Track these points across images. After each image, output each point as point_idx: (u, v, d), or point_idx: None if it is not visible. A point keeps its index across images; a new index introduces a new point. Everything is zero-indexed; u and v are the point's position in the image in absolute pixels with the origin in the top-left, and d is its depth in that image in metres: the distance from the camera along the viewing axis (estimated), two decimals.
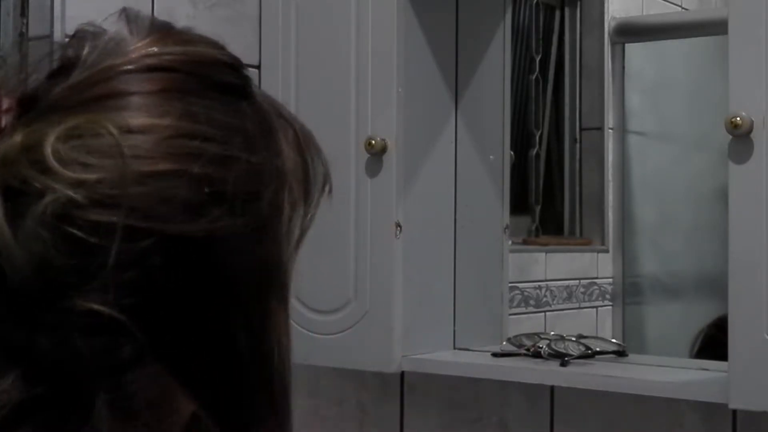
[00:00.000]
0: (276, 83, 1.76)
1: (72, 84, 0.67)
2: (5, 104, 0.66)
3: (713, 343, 1.97)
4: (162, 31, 0.70)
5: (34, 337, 0.63)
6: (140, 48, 0.68)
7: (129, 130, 0.64)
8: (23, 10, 1.63)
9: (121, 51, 0.68)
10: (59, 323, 0.63)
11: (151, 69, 0.67)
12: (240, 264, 0.67)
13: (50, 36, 1.58)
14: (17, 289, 0.63)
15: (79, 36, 0.69)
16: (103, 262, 0.62)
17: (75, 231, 0.62)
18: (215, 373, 0.68)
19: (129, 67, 0.67)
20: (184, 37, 0.70)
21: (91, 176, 0.63)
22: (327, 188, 0.75)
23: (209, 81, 0.68)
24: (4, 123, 0.66)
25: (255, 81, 0.73)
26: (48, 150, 0.63)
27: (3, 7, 1.64)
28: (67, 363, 0.64)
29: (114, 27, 0.69)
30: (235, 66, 0.71)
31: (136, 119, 0.65)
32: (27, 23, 1.62)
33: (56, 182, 0.62)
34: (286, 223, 0.70)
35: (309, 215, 0.73)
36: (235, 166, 0.66)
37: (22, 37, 1.63)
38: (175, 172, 0.64)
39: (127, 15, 0.70)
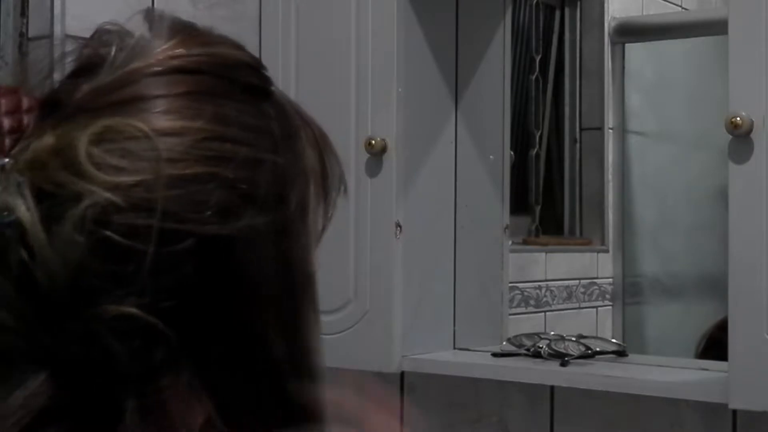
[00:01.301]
0: (276, 83, 1.75)
1: (99, 86, 0.66)
2: (26, 104, 0.66)
3: (718, 345, 1.97)
4: (185, 32, 0.69)
5: (65, 342, 0.63)
6: (166, 50, 0.67)
7: (162, 133, 0.64)
8: (23, 10, 1.63)
9: (147, 53, 0.67)
10: (92, 328, 0.63)
11: (178, 71, 0.67)
12: (270, 265, 0.67)
13: (50, 36, 1.58)
14: (49, 294, 0.62)
15: (102, 36, 0.69)
16: (139, 266, 0.62)
17: (112, 235, 0.62)
18: (246, 376, 0.68)
19: (156, 69, 0.67)
20: (208, 38, 0.70)
21: (127, 179, 0.62)
22: (343, 187, 0.76)
23: (235, 82, 0.68)
24: (26, 122, 0.65)
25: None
26: (82, 152, 0.63)
27: (3, 7, 1.64)
28: (99, 367, 0.63)
29: (135, 27, 0.69)
30: (256, 67, 0.71)
31: (168, 122, 0.65)
32: (27, 23, 1.62)
33: (93, 186, 0.62)
34: (311, 222, 0.71)
35: (328, 214, 0.73)
36: (263, 167, 0.67)
37: (22, 37, 1.63)
38: (208, 175, 0.64)
39: (149, 15, 0.69)
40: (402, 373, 1.79)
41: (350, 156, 1.67)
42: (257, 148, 0.67)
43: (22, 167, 0.63)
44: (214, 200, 0.64)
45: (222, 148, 0.65)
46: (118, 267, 0.62)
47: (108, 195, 0.62)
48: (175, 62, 0.67)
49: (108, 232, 0.62)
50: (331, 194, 0.74)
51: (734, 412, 1.50)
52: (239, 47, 0.71)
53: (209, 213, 0.64)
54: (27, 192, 0.62)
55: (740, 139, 1.34)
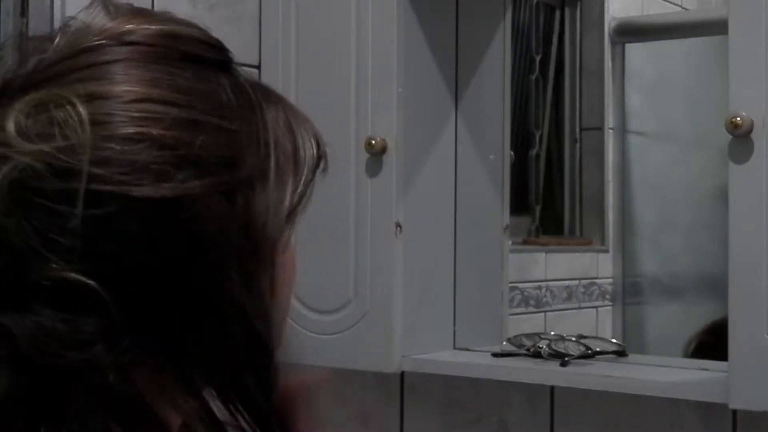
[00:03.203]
0: (276, 83, 1.76)
1: (39, 64, 0.68)
2: None
3: (706, 348, 1.97)
4: (136, 13, 0.71)
5: (5, 314, 0.63)
6: (112, 27, 0.69)
7: (90, 98, 0.65)
8: (23, 10, 1.63)
9: (92, 31, 0.69)
10: (28, 299, 0.63)
11: (120, 43, 0.68)
12: (215, 227, 0.66)
13: (50, 36, 1.57)
14: None
15: (59, 28, 0.71)
16: (69, 228, 0.63)
17: (39, 199, 0.63)
18: (197, 341, 0.67)
19: (94, 43, 0.68)
20: (160, 17, 0.71)
21: (51, 145, 0.63)
22: (321, 166, 0.75)
23: (179, 52, 0.69)
24: None
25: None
26: (10, 125, 0.64)
27: (3, 7, 1.64)
28: (40, 342, 0.63)
29: (91, 16, 0.70)
30: (212, 44, 0.71)
31: (96, 87, 0.66)
32: (27, 23, 1.62)
33: (15, 153, 0.63)
34: (272, 192, 0.70)
35: (299, 190, 0.72)
36: (203, 130, 0.66)
37: (22, 37, 1.62)
38: (137, 135, 0.64)
39: (106, 3, 0.71)
40: (402, 373, 1.79)
41: (350, 156, 1.67)
42: (195, 110, 0.67)
43: None
44: (142, 160, 0.64)
45: (150, 109, 0.65)
46: (48, 232, 0.63)
47: (27, 159, 0.63)
48: (120, 36, 0.68)
49: (33, 197, 0.63)
50: (301, 170, 0.73)
51: (734, 412, 1.50)
52: (193, 26, 0.72)
53: (138, 173, 0.64)
54: None
55: (740, 139, 1.34)
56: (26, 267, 0.63)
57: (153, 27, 0.69)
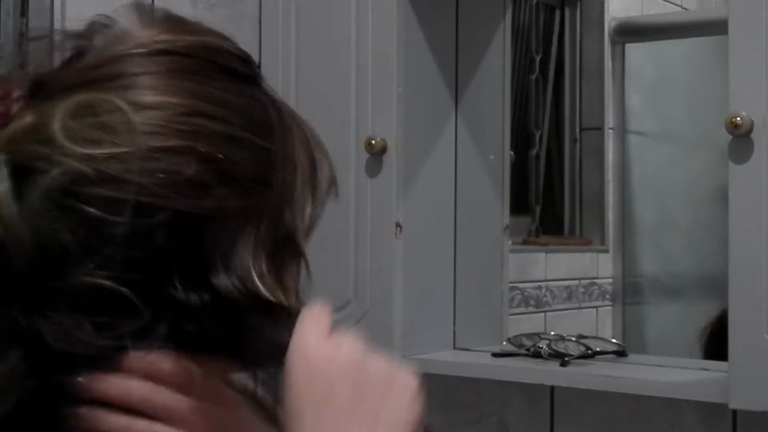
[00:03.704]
0: (276, 83, 1.75)
1: (81, 67, 0.67)
2: (16, 93, 0.67)
3: (719, 339, 1.98)
4: (172, 21, 0.70)
5: (38, 317, 0.63)
6: (151, 35, 0.68)
7: (139, 107, 0.65)
8: (23, 10, 1.62)
9: (132, 37, 0.68)
10: (63, 301, 0.63)
11: (160, 53, 0.68)
12: (244, 245, 0.66)
13: (50, 36, 1.57)
14: (22, 269, 0.63)
15: (92, 27, 0.70)
16: (110, 237, 0.62)
17: (83, 206, 0.62)
18: (217, 353, 0.67)
19: (139, 50, 0.67)
20: (194, 27, 0.71)
21: (101, 151, 0.63)
22: (333, 190, 0.75)
23: (217, 65, 0.69)
24: (15, 109, 0.66)
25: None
26: (56, 126, 0.63)
27: (3, 7, 1.64)
28: (70, 342, 0.63)
29: (126, 19, 0.70)
30: (243, 58, 0.72)
31: (146, 96, 0.65)
32: (27, 23, 1.62)
33: (65, 157, 0.63)
34: (297, 212, 0.70)
35: (314, 212, 0.73)
36: (242, 146, 0.66)
37: (22, 37, 1.62)
38: (183, 148, 0.64)
39: (140, 8, 0.70)
40: None
41: (350, 156, 1.67)
42: (234, 125, 0.67)
43: (2, 146, 0.64)
44: (188, 174, 0.64)
45: (198, 122, 0.65)
46: (89, 238, 0.62)
47: (78, 165, 0.62)
48: (158, 45, 0.68)
49: (78, 203, 0.62)
50: (319, 192, 0.73)
51: (734, 412, 1.50)
52: (226, 38, 0.72)
53: (183, 187, 0.64)
54: (3, 167, 0.63)
55: (740, 139, 1.34)
56: (63, 271, 0.63)
57: (190, 38, 0.69)
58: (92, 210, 0.62)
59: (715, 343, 1.92)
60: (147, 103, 0.65)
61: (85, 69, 0.67)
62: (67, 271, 0.63)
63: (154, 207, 0.63)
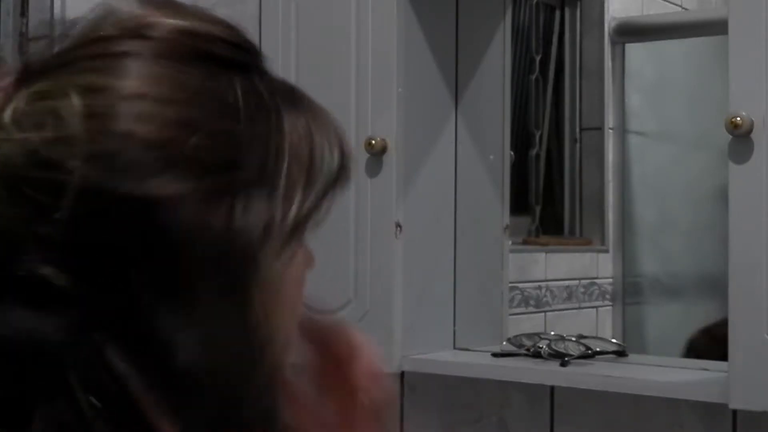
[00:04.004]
0: None
1: (56, 52, 0.67)
2: (5, 82, 0.67)
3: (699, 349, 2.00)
4: (167, 4, 0.69)
5: None
6: (132, 18, 0.68)
7: (89, 90, 0.64)
8: (23, 10, 1.63)
9: (110, 20, 0.68)
10: (6, 290, 0.62)
11: (134, 36, 0.67)
12: (198, 230, 0.64)
13: (50, 36, 1.58)
14: None
15: (88, 13, 0.69)
16: (49, 221, 0.62)
17: (24, 189, 0.62)
18: (154, 352, 0.64)
19: (111, 33, 0.67)
20: (187, 11, 0.69)
21: (40, 135, 0.63)
22: (341, 181, 0.72)
23: (195, 50, 0.67)
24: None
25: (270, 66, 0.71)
26: (8, 112, 0.64)
27: (3, 7, 1.64)
28: (11, 340, 0.62)
29: (124, 3, 0.69)
30: (234, 43, 0.70)
31: (99, 79, 0.65)
32: (27, 23, 1.62)
33: (5, 141, 0.63)
34: (277, 201, 0.67)
35: (307, 204, 0.69)
36: (199, 130, 0.65)
37: (22, 37, 1.63)
38: (125, 132, 0.63)
39: None
40: (402, 373, 1.79)
41: None
42: (193, 109, 0.65)
43: None
44: (130, 158, 0.63)
45: (145, 106, 0.64)
46: (30, 224, 0.62)
47: (15, 148, 0.62)
48: (129, 26, 0.67)
49: (22, 186, 0.62)
50: (315, 182, 0.70)
51: (734, 412, 1.50)
52: (219, 23, 0.70)
53: (125, 171, 0.63)
54: None
55: (740, 139, 1.34)
56: (5, 258, 0.62)
57: (173, 22, 0.68)
58: (32, 193, 0.62)
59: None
60: (97, 86, 0.64)
61: (58, 53, 0.67)
62: (9, 258, 0.62)
63: (94, 191, 0.62)
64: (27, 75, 0.66)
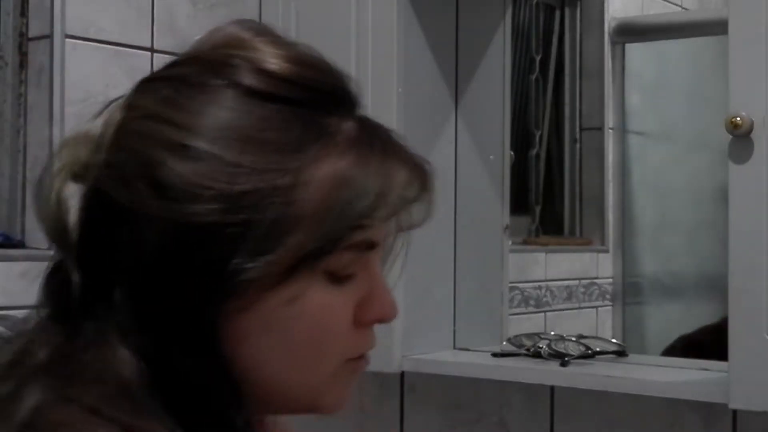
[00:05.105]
0: None
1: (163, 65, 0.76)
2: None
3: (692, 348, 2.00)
4: (263, 39, 0.79)
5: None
6: (206, 41, 0.75)
7: (127, 107, 0.72)
8: (23, 10, 1.62)
9: (204, 45, 0.75)
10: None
11: (212, 71, 0.72)
12: (155, 247, 0.68)
13: (50, 36, 1.57)
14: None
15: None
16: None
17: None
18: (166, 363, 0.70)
19: (186, 56, 0.74)
20: (281, 46, 0.81)
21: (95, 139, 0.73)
22: (368, 237, 0.79)
23: (226, 78, 0.71)
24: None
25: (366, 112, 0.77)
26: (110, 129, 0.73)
27: (3, 7, 1.64)
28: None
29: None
30: (280, 77, 0.77)
31: (135, 97, 0.73)
32: (27, 23, 1.62)
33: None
34: (258, 234, 0.68)
35: (313, 244, 0.71)
36: (188, 155, 0.68)
37: (22, 37, 1.62)
38: (124, 146, 0.70)
39: (251, 23, 0.81)
40: (402, 373, 1.79)
41: None
42: (189, 134, 0.68)
43: None
44: (116, 166, 0.70)
45: (146, 124, 0.70)
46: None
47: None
48: (212, 58, 0.73)
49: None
50: (328, 225, 0.72)
51: (734, 412, 1.50)
52: (312, 66, 0.83)
53: (109, 176, 0.70)
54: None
55: (740, 139, 1.34)
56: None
57: (257, 58, 0.76)
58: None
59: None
60: (130, 104, 0.72)
61: (158, 70, 0.75)
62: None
63: (100, 195, 0.70)
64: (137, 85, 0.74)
